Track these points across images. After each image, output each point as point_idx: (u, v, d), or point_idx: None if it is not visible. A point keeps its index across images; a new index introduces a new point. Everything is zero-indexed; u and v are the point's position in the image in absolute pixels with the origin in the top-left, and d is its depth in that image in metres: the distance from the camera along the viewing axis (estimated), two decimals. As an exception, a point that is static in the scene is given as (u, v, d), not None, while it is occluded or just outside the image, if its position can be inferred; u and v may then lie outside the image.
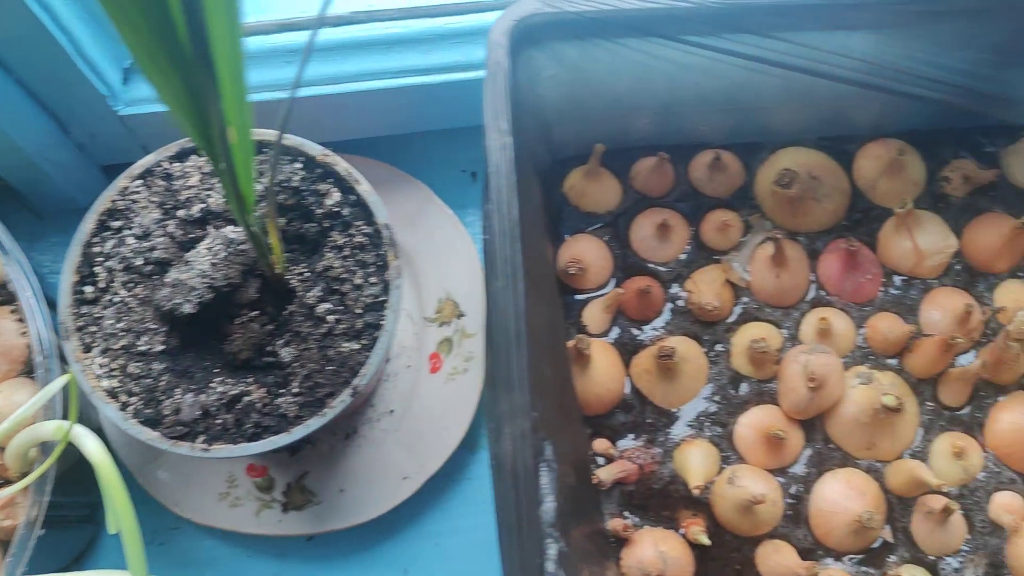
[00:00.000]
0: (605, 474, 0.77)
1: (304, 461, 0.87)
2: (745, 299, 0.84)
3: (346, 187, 0.75)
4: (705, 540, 0.75)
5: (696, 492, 0.76)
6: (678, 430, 0.80)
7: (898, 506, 0.78)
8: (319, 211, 0.75)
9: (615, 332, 0.83)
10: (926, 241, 0.83)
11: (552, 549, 0.61)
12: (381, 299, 0.73)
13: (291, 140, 0.75)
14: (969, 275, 0.84)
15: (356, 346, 0.72)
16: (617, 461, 0.79)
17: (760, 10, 0.67)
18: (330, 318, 0.72)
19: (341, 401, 0.71)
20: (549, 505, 0.62)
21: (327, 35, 0.80)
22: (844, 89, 0.79)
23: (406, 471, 0.85)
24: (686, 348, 0.81)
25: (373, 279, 0.74)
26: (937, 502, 0.75)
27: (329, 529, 0.84)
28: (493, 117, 0.65)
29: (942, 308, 0.82)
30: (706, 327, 0.83)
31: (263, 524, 0.84)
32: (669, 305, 0.84)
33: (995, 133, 0.87)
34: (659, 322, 0.83)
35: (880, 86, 0.77)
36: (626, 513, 0.78)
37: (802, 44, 0.71)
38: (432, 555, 0.86)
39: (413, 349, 0.89)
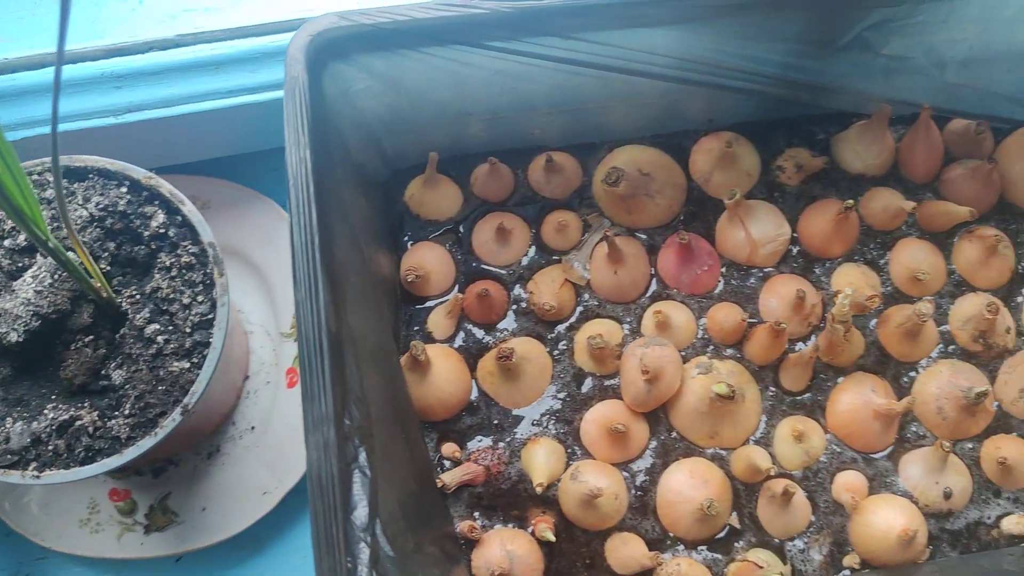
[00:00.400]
0: (449, 478, 0.78)
1: (167, 482, 0.87)
2: (587, 297, 0.85)
3: (172, 208, 0.76)
4: (551, 536, 0.76)
5: (539, 490, 0.77)
6: (524, 429, 0.81)
7: (744, 492, 0.79)
8: (146, 233, 0.75)
9: (461, 337, 0.84)
10: (759, 230, 0.84)
11: (364, 554, 0.62)
12: (209, 316, 0.74)
13: (115, 165, 0.76)
14: (806, 261, 0.86)
15: (186, 365, 0.73)
16: (463, 464, 0.80)
17: (556, 12, 0.69)
18: (159, 339, 0.73)
19: (172, 420, 0.71)
20: (362, 511, 0.63)
21: (157, 58, 0.81)
22: (669, 86, 0.80)
23: (266, 486, 0.85)
24: (528, 348, 0.82)
25: (201, 298, 0.74)
26: (779, 486, 0.77)
27: (192, 548, 0.84)
28: (292, 132, 0.65)
29: (778, 295, 0.83)
30: (549, 327, 0.84)
31: (125, 548, 0.84)
32: (513, 307, 0.85)
33: (826, 121, 0.89)
34: (504, 324, 0.84)
35: (698, 81, 0.78)
36: (476, 515, 0.79)
37: (607, 43, 0.73)
38: (300, 568, 0.86)
39: (271, 365, 0.90)
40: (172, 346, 0.73)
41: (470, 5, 0.68)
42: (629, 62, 0.75)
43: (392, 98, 0.77)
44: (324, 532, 0.60)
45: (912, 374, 0.83)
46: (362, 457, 0.65)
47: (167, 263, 0.75)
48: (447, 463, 0.80)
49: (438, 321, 0.83)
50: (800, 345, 0.84)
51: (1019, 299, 0.85)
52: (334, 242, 0.68)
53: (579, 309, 0.84)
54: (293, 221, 0.64)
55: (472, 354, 0.83)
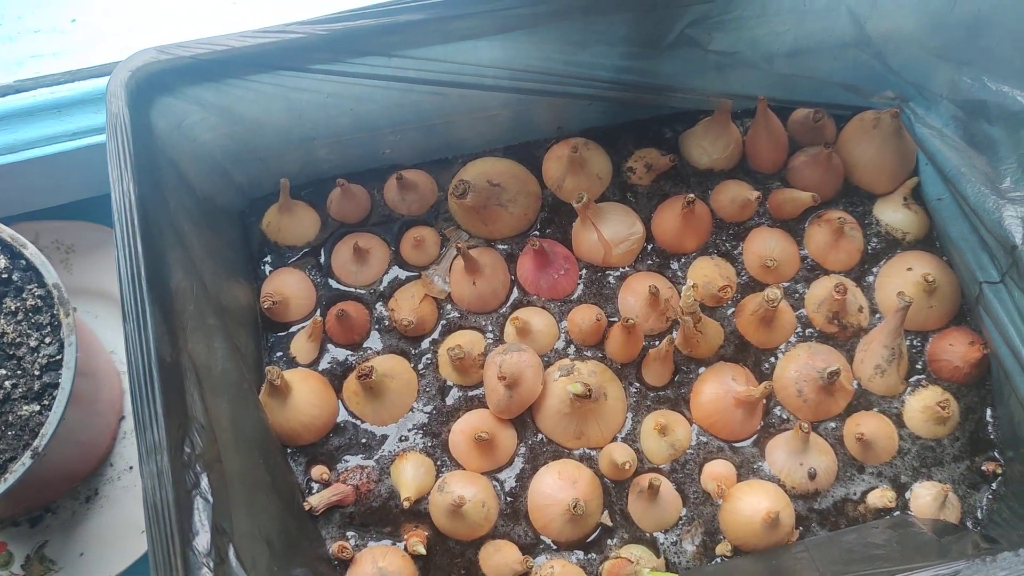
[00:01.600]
0: (316, 500, 0.78)
1: (45, 531, 0.86)
2: (449, 310, 0.86)
3: (14, 252, 0.76)
4: (422, 550, 0.76)
5: (406, 505, 0.77)
6: (392, 446, 0.81)
7: (614, 490, 0.80)
8: (-10, 280, 0.75)
9: (325, 360, 0.84)
10: (612, 231, 0.86)
11: (206, 580, 0.62)
12: (57, 358, 0.74)
13: (-46, 214, 0.76)
14: (662, 258, 0.88)
15: (36, 408, 0.73)
16: (331, 485, 0.80)
17: (371, 32, 0.70)
18: (7, 384, 0.73)
19: (22, 464, 0.71)
20: (204, 537, 0.63)
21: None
22: (510, 97, 0.82)
23: (143, 524, 0.85)
24: (392, 365, 0.83)
25: (49, 339, 0.74)
26: (645, 480, 0.77)
27: (71, 596, 0.83)
28: (115, 168, 0.66)
29: (635, 293, 0.85)
30: (414, 342, 0.85)
31: (3, 601, 0.83)
32: (376, 326, 0.85)
33: (673, 120, 0.91)
34: (369, 343, 0.85)
35: (534, 90, 0.80)
36: (349, 534, 0.79)
37: (431, 59, 0.74)
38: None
39: (146, 404, 0.89)
40: (20, 390, 0.73)
41: (286, 31, 0.69)
42: (459, 76, 0.77)
43: (230, 128, 0.77)
44: (162, 559, 0.60)
45: (773, 360, 0.85)
46: (204, 484, 0.65)
47: (12, 307, 0.75)
48: (317, 486, 0.80)
49: (301, 346, 0.84)
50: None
51: (870, 278, 0.87)
52: (168, 273, 0.69)
53: (442, 322, 0.85)
54: (119, 255, 0.65)
55: (337, 376, 0.84)
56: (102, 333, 0.90)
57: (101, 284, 0.93)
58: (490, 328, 0.85)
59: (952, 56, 0.81)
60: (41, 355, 0.74)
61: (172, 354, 0.66)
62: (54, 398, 0.73)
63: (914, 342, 0.85)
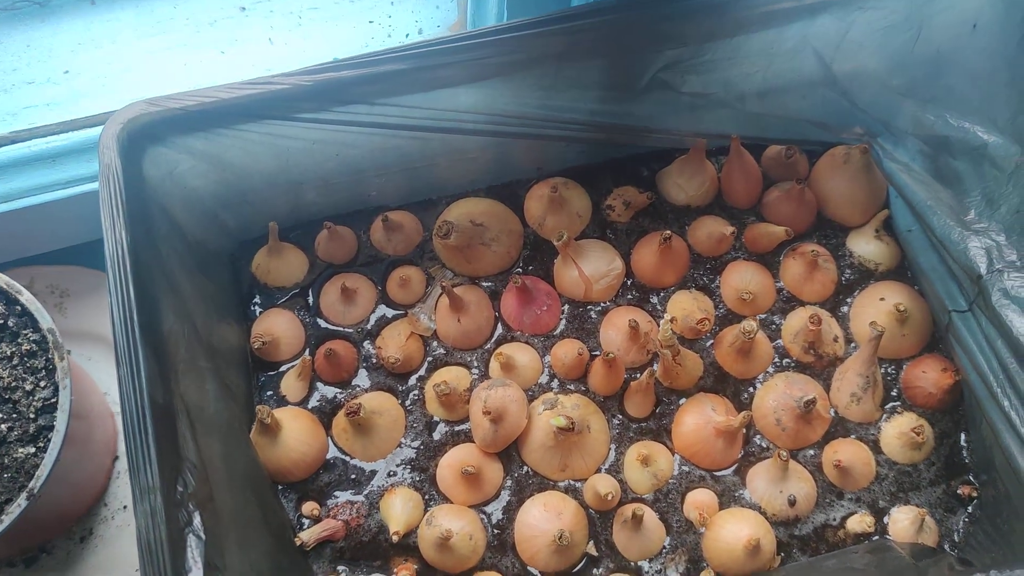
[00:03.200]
0: (307, 535, 0.80)
1: (40, 570, 0.88)
2: (435, 346, 0.88)
3: (10, 299, 0.78)
4: (410, 584, 0.78)
5: (395, 538, 0.79)
6: (380, 481, 0.83)
7: (599, 520, 0.82)
8: (-14, 326, 0.77)
9: (315, 398, 0.86)
10: (592, 267, 0.88)
11: (202, 616, 0.63)
12: (52, 401, 0.76)
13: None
14: (641, 293, 0.90)
15: (31, 450, 0.75)
16: (322, 521, 0.81)
17: (354, 82, 0.73)
18: (3, 427, 0.75)
19: (17, 506, 0.73)
20: (197, 574, 0.64)
21: (-1, 154, 0.84)
22: (488, 140, 0.85)
23: (138, 563, 0.86)
24: (379, 402, 0.84)
25: (44, 383, 0.76)
26: (628, 510, 0.79)
27: (67, 636, 0.84)
28: (108, 216, 0.68)
29: (616, 327, 0.87)
30: (401, 379, 0.87)
31: (-1, 643, 0.84)
32: (364, 364, 0.87)
33: (650, 159, 0.94)
34: (357, 381, 0.87)
35: (513, 133, 0.83)
36: (340, 568, 0.81)
37: (412, 106, 0.77)
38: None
39: (139, 444, 0.91)
40: (16, 433, 0.75)
41: (272, 82, 0.72)
42: (440, 121, 0.80)
43: (220, 175, 0.80)
44: (157, 599, 0.62)
45: (751, 390, 0.87)
46: (196, 522, 0.66)
47: (8, 352, 0.77)
48: (308, 521, 0.82)
49: (290, 384, 0.86)
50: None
51: (844, 308, 0.90)
52: (160, 318, 0.71)
53: (428, 359, 0.87)
54: (112, 300, 0.67)
55: (327, 413, 0.85)
56: (96, 375, 0.92)
57: (95, 327, 0.95)
58: (475, 364, 0.87)
59: (915, 94, 0.84)
60: (36, 398, 0.76)
61: (164, 396, 0.68)
62: (49, 440, 0.75)
63: (888, 370, 0.87)
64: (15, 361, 0.77)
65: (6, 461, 0.74)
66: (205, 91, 0.72)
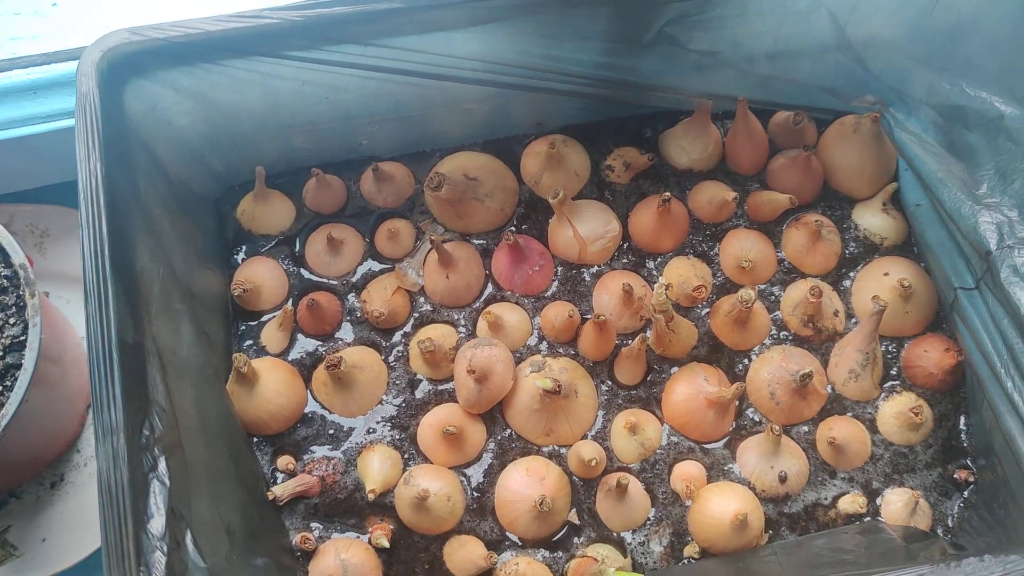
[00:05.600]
0: (281, 490, 0.78)
1: (8, 516, 0.86)
2: (422, 303, 0.85)
3: (-19, 233, 0.75)
4: (385, 543, 0.76)
5: (371, 496, 0.77)
6: (359, 438, 0.81)
7: (583, 488, 0.79)
8: (-43, 260, 0.75)
9: (296, 350, 0.84)
10: (587, 228, 0.85)
11: (160, 563, 0.61)
12: (21, 339, 0.73)
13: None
14: (638, 257, 0.87)
15: (-3, 390, 0.72)
16: (296, 476, 0.79)
17: (346, 19, 0.70)
18: (-31, 365, 0.72)
19: (-19, 447, 0.70)
20: (159, 521, 0.62)
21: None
22: (488, 91, 0.82)
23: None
24: (361, 357, 0.82)
25: (13, 320, 0.74)
26: (613, 479, 0.77)
27: (31, 581, 0.82)
28: (83, 146, 0.66)
29: (609, 291, 0.84)
30: (386, 334, 0.84)
31: (-38, 586, 0.83)
32: (348, 317, 0.85)
33: (654, 119, 0.91)
34: (340, 334, 0.84)
35: (512, 84, 0.80)
36: (313, 525, 0.78)
37: (406, 48, 0.74)
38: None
39: (115, 391, 0.89)
40: (-18, 372, 0.72)
41: (260, 16, 0.69)
42: (436, 67, 0.77)
43: (206, 114, 0.77)
44: (114, 541, 0.59)
45: (746, 362, 0.84)
46: (161, 467, 0.64)
47: (-23, 288, 0.74)
48: (282, 476, 0.79)
49: (271, 335, 0.83)
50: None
51: (846, 282, 0.87)
52: (135, 255, 0.68)
53: (414, 315, 0.85)
54: (84, 233, 0.64)
55: (307, 366, 0.83)
56: (74, 319, 0.89)
57: (75, 269, 0.91)
58: (463, 322, 0.84)
59: (931, 62, 0.81)
60: (4, 335, 0.73)
61: (135, 336, 0.66)
62: (16, 379, 0.72)
63: (889, 348, 0.84)
64: (-15, 296, 0.74)
65: (-30, 399, 0.72)
66: (189, 22, 0.69)
